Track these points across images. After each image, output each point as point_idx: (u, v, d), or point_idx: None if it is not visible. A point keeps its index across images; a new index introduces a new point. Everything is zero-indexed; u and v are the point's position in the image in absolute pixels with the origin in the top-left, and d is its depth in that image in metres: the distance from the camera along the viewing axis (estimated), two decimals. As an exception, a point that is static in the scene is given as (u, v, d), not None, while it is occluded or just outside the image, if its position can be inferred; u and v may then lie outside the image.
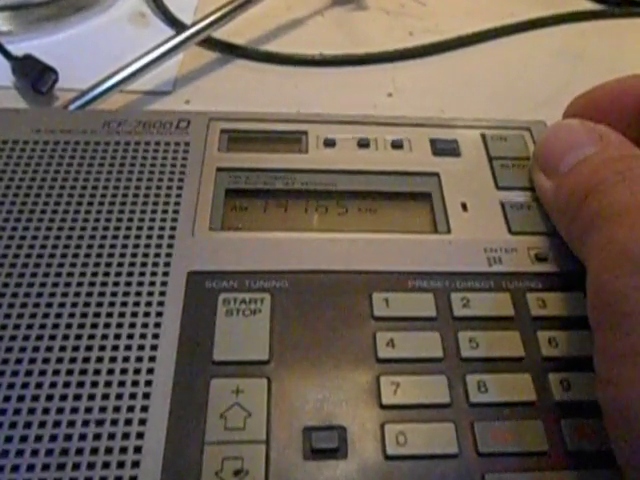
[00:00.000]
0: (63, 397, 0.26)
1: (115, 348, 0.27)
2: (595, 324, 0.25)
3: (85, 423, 0.25)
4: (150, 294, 0.29)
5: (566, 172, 0.30)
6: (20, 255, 0.30)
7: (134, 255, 0.30)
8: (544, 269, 0.31)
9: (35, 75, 0.47)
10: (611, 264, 0.25)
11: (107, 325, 0.28)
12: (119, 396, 0.26)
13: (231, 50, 0.55)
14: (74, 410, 0.25)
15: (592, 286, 0.26)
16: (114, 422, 0.25)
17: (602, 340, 0.25)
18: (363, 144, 0.36)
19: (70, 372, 0.26)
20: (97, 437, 0.25)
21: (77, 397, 0.26)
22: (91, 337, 0.27)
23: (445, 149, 0.36)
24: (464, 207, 0.34)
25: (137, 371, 0.27)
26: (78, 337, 0.27)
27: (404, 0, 0.62)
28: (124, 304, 0.28)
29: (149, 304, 0.29)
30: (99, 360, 0.27)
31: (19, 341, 0.27)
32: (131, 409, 0.26)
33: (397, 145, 0.36)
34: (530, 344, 0.29)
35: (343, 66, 0.54)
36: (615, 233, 0.25)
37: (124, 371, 0.27)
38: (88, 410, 0.26)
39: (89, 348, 0.27)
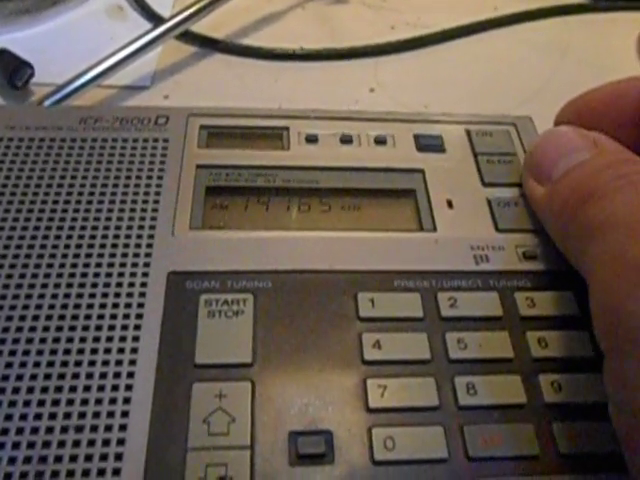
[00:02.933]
0: (41, 402, 0.25)
1: (94, 351, 0.26)
2: (606, 346, 0.24)
3: (64, 430, 0.25)
4: (129, 295, 0.28)
5: (560, 177, 0.29)
6: (-5, 255, 0.29)
7: (112, 255, 0.29)
8: (533, 267, 0.31)
9: (10, 70, 0.46)
10: (623, 283, 0.23)
11: (86, 327, 0.27)
12: (98, 401, 0.25)
13: (210, 44, 0.54)
14: (52, 416, 0.25)
15: (599, 304, 0.24)
16: (94, 428, 0.25)
17: (616, 365, 0.23)
18: (346, 140, 0.36)
19: (48, 376, 0.26)
20: (76, 444, 0.24)
21: (55, 402, 0.25)
22: (69, 340, 0.27)
23: (429, 145, 0.36)
24: (449, 204, 0.33)
25: (117, 375, 0.26)
26: (56, 340, 0.27)
27: (385, -7, 0.61)
28: (103, 306, 0.28)
29: (128, 306, 0.28)
30: (78, 364, 0.26)
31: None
32: (111, 414, 0.25)
33: (380, 141, 0.36)
34: (519, 345, 0.28)
35: (324, 60, 0.53)
36: (624, 246, 0.24)
37: (103, 375, 0.26)
38: (67, 416, 0.25)
39: (67, 351, 0.26)
